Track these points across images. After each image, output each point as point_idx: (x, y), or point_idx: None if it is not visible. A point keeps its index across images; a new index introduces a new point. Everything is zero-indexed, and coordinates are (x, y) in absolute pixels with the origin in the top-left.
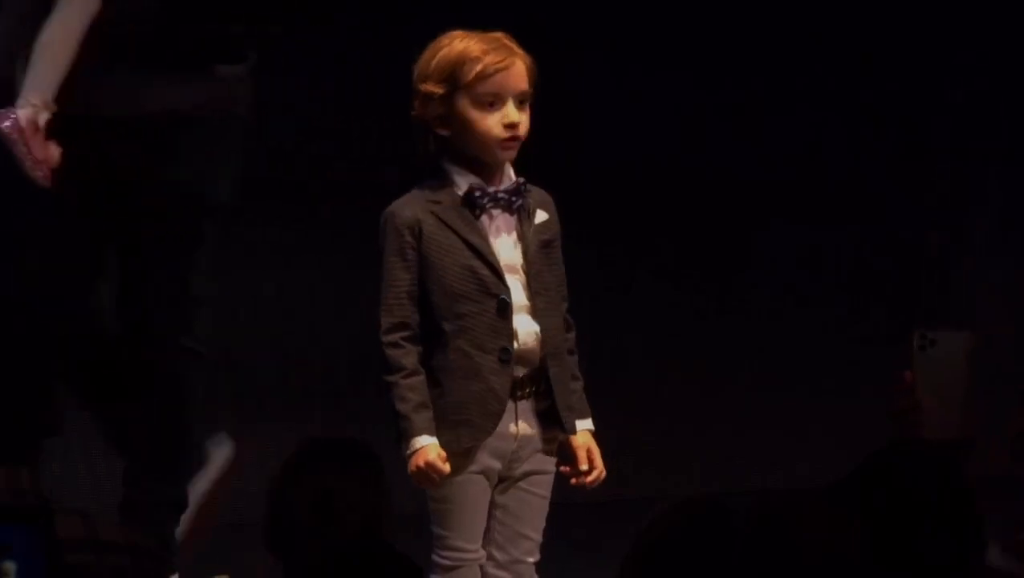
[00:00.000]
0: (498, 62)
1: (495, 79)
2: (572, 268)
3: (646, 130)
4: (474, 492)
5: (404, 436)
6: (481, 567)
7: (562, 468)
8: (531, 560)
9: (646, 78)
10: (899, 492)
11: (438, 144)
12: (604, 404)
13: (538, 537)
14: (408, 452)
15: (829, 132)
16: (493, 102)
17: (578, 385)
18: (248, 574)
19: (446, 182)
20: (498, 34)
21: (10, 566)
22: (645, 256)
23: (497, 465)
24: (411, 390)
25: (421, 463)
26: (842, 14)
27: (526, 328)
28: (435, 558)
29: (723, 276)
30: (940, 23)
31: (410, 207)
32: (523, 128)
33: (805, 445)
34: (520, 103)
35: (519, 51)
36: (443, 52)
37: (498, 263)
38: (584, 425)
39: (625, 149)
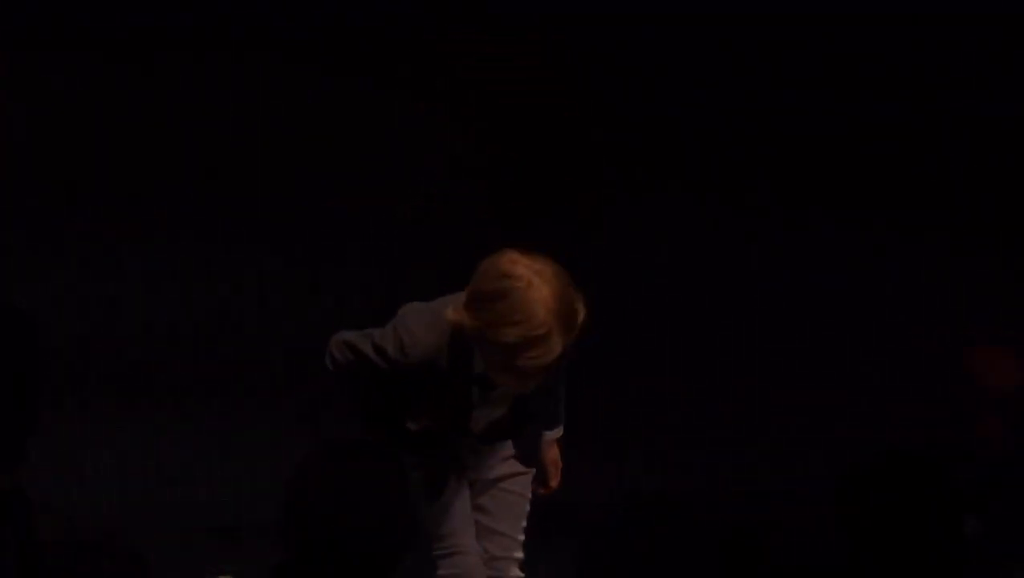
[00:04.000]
0: (536, 358)
1: (526, 368)
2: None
3: (652, 128)
4: (444, 482)
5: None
6: None
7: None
8: (510, 556)
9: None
10: (888, 495)
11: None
12: (604, 404)
13: (516, 534)
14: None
15: (821, 123)
16: (515, 371)
17: (551, 402)
18: (248, 574)
19: (470, 347)
20: (565, 294)
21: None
22: (646, 255)
23: (464, 466)
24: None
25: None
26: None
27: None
28: (433, 553)
29: (723, 276)
30: None
31: (432, 349)
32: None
33: (802, 446)
34: (546, 372)
35: (572, 323)
36: (499, 308)
37: (472, 430)
38: (549, 435)
39: (639, 150)
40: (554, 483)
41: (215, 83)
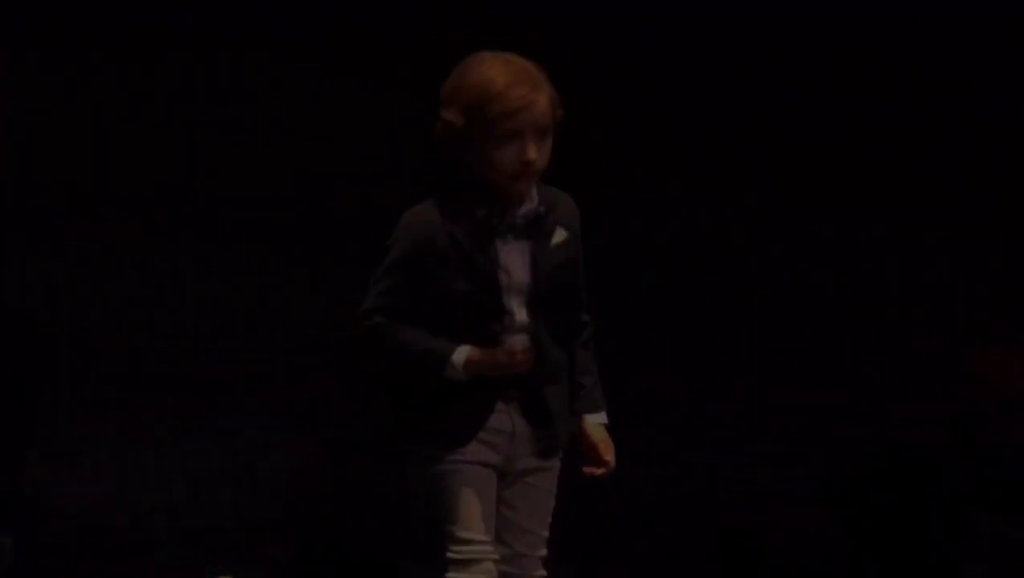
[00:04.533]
0: (520, 98)
1: (516, 117)
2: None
3: (652, 128)
4: (472, 480)
5: (440, 361)
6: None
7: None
8: (535, 554)
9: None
10: (887, 494)
11: (457, 163)
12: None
13: (542, 531)
14: (459, 365)
15: (819, 126)
16: (512, 137)
17: (588, 380)
18: (248, 574)
19: (465, 200)
20: (526, 64)
21: (6, 540)
22: (646, 254)
23: (495, 458)
24: (414, 332)
25: (476, 356)
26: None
27: (521, 345)
28: (447, 555)
29: (722, 276)
30: None
31: (428, 223)
32: (540, 162)
33: (802, 446)
34: (541, 136)
35: (544, 84)
36: (468, 81)
37: (500, 293)
38: (595, 419)
39: (639, 150)
40: (609, 457)
41: (215, 83)
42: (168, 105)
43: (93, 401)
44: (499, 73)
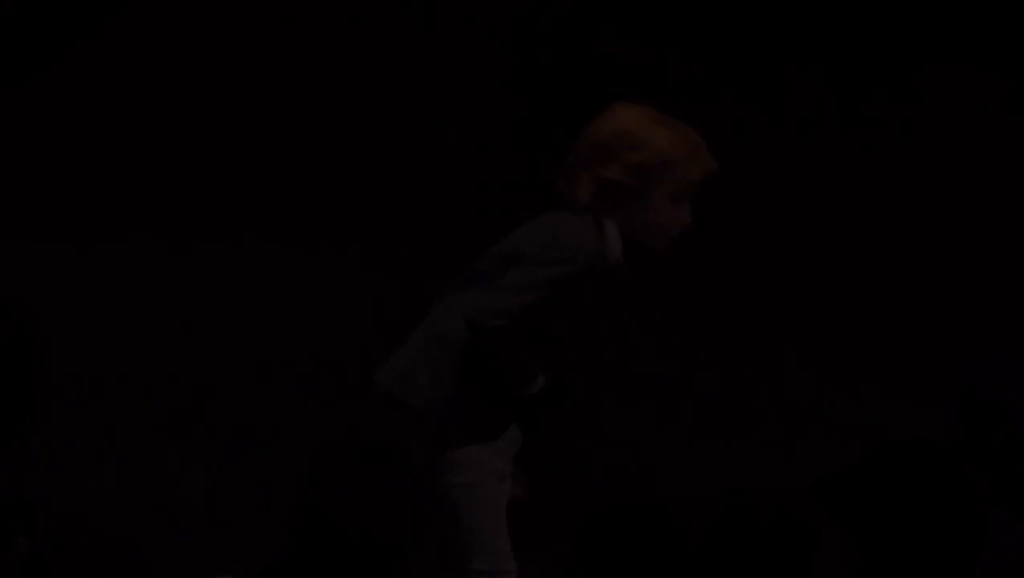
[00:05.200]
0: (705, 168)
1: (695, 184)
2: None
3: None
4: (501, 495)
5: (531, 383)
6: None
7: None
8: None
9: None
10: (892, 493)
11: (607, 203)
12: (601, 405)
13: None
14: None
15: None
16: (679, 200)
17: None
18: (248, 574)
19: (601, 236)
20: (690, 129)
21: (22, 540)
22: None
23: (508, 469)
24: (525, 349)
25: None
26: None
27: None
28: (474, 566)
29: (722, 274)
30: None
31: (598, 253)
32: None
33: (799, 445)
34: None
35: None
36: (662, 133)
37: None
38: None
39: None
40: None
41: (219, 86)
42: (167, 104)
43: (93, 401)
44: (684, 137)
